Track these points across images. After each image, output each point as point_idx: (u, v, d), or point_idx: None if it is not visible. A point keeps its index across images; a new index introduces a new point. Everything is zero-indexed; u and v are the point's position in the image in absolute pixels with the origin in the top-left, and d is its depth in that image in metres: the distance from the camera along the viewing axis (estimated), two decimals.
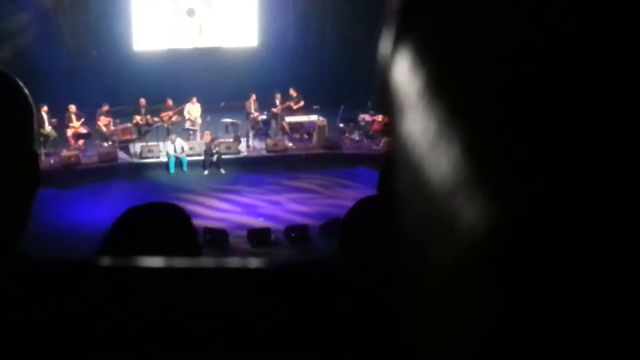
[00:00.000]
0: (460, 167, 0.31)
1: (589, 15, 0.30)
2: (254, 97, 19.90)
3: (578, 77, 0.29)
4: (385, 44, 0.40)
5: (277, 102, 20.23)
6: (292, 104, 20.37)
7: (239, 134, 19.56)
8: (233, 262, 0.98)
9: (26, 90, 1.15)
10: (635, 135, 0.28)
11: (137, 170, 18.35)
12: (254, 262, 0.98)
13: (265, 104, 20.13)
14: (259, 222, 15.28)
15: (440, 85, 0.34)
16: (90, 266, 0.99)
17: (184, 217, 2.16)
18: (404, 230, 0.36)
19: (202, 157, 18.42)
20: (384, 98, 0.39)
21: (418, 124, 0.35)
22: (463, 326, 0.31)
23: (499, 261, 0.29)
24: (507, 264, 0.29)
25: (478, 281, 0.30)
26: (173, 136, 18.64)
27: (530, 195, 0.29)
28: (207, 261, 0.97)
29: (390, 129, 0.38)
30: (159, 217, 2.12)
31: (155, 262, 0.97)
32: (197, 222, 14.92)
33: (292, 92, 20.49)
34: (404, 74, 0.37)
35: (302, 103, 20.35)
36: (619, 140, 0.28)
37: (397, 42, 0.38)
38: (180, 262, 0.96)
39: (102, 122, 19.21)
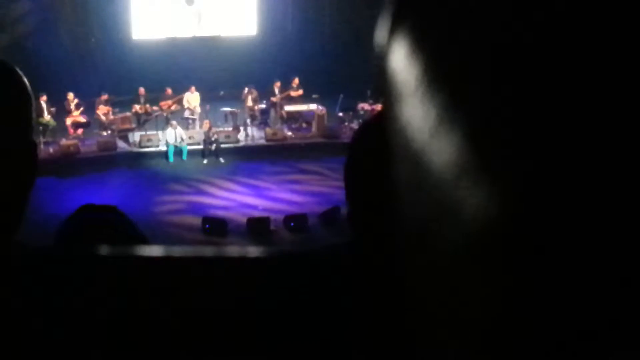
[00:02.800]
0: (464, 152, 0.31)
1: (591, 6, 0.30)
2: (251, 88, 19.83)
3: (577, 61, 0.29)
4: (382, 32, 0.40)
5: (276, 90, 20.20)
6: (291, 92, 20.34)
7: (238, 123, 19.54)
8: (232, 251, 0.98)
9: (25, 80, 1.15)
10: (629, 122, 0.28)
11: (137, 160, 18.34)
12: (253, 251, 0.97)
13: (264, 92, 20.10)
14: (258, 211, 15.29)
15: (439, 71, 0.34)
16: (88, 255, 0.99)
17: (124, 221, 2.08)
18: (405, 219, 0.36)
19: (201, 146, 18.41)
20: (382, 86, 0.39)
21: (418, 111, 0.34)
22: (473, 313, 0.30)
23: (507, 244, 0.29)
24: (516, 245, 0.29)
25: (487, 265, 0.30)
26: (174, 122, 18.61)
27: (536, 175, 0.29)
28: (206, 250, 0.97)
29: (388, 117, 0.38)
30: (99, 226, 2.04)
31: (154, 251, 0.97)
32: (196, 212, 14.86)
33: (295, 81, 20.45)
34: (402, 61, 0.37)
35: (301, 92, 20.31)
36: (617, 123, 0.28)
37: (393, 29, 0.38)
38: (179, 251, 0.95)
39: (101, 111, 19.19)
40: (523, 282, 0.29)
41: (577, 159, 0.28)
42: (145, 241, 2.12)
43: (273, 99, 20.17)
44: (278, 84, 20.24)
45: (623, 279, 0.27)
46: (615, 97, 0.28)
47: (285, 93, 20.25)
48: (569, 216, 0.28)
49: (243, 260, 0.96)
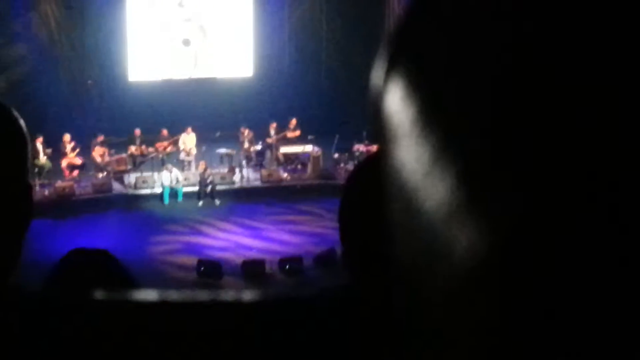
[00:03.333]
0: (456, 193, 0.32)
1: (581, 56, 0.31)
2: (246, 129, 19.91)
3: (568, 107, 0.30)
4: (377, 74, 0.40)
5: (272, 131, 20.26)
6: (288, 133, 20.42)
7: (234, 164, 19.57)
8: (227, 295, 0.97)
9: (21, 121, 1.15)
10: (620, 167, 0.29)
11: (132, 201, 18.33)
12: (248, 295, 0.97)
13: (260, 134, 20.15)
14: (253, 254, 15.25)
15: (434, 113, 0.35)
16: (84, 300, 0.99)
17: (106, 258, 2.08)
18: (399, 259, 0.36)
19: (196, 188, 18.41)
20: (377, 127, 0.40)
21: (412, 152, 0.35)
22: (467, 351, 0.31)
23: (498, 283, 0.30)
24: (506, 285, 0.29)
25: (478, 304, 0.30)
26: (169, 165, 18.63)
27: (525, 217, 0.29)
28: (200, 295, 0.97)
29: (383, 158, 0.38)
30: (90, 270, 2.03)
31: (149, 295, 0.96)
32: (191, 254, 14.75)
33: (292, 122, 20.56)
34: (397, 103, 0.37)
35: (298, 132, 20.40)
36: (608, 166, 0.29)
37: (389, 71, 0.38)
38: (174, 295, 0.95)
39: (97, 152, 19.20)
40: (511, 323, 0.29)
41: (569, 203, 0.29)
42: (136, 285, 2.11)
43: (269, 140, 20.22)
44: (274, 125, 20.30)
45: (613, 319, 0.28)
46: (607, 150, 0.29)
47: (282, 134, 20.31)
48: (557, 258, 0.29)
49: (238, 305, 0.95)
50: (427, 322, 0.34)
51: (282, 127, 20.40)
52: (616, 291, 0.28)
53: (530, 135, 0.30)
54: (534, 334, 0.29)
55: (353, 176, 1.75)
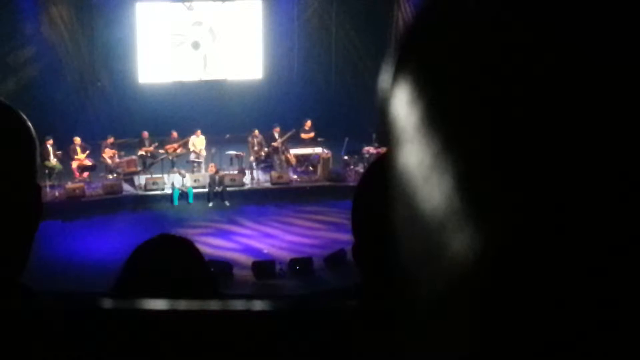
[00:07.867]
0: (451, 199, 0.32)
1: (582, 66, 0.31)
2: (256, 132, 19.94)
3: (569, 120, 0.30)
4: (385, 78, 0.40)
5: (276, 135, 20.25)
6: (302, 134, 20.44)
7: (244, 166, 19.60)
8: (237, 304, 0.97)
9: (29, 124, 1.16)
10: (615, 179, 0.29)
11: (142, 203, 18.37)
12: (258, 305, 0.97)
13: (269, 136, 20.17)
14: (263, 254, 15.26)
15: (436, 120, 0.35)
16: (92, 307, 0.99)
17: (191, 248, 2.20)
18: (400, 258, 0.37)
19: (206, 189, 18.45)
20: (384, 130, 0.40)
21: (414, 156, 0.36)
22: (453, 348, 0.31)
23: (485, 291, 0.30)
24: (494, 294, 0.30)
25: (466, 311, 0.31)
26: (182, 170, 18.67)
27: (518, 227, 0.30)
28: (211, 304, 0.97)
29: (389, 159, 0.38)
30: (167, 254, 2.16)
31: (157, 304, 0.96)
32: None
33: (308, 124, 20.59)
34: (402, 107, 0.38)
35: (312, 134, 20.43)
36: (608, 179, 0.29)
37: (396, 76, 0.39)
38: (182, 304, 0.95)
39: (107, 154, 19.27)
40: (501, 327, 0.30)
41: (563, 214, 0.29)
42: (213, 279, 2.24)
43: (274, 144, 20.21)
44: (277, 129, 20.29)
45: (597, 323, 0.28)
46: (609, 162, 0.29)
47: (290, 134, 20.28)
48: (549, 265, 0.29)
49: (248, 313, 0.95)
50: (417, 328, 0.35)
51: (289, 129, 20.37)
52: (602, 310, 0.28)
53: (529, 146, 0.31)
54: (519, 346, 0.29)
55: (368, 171, 1.78)
